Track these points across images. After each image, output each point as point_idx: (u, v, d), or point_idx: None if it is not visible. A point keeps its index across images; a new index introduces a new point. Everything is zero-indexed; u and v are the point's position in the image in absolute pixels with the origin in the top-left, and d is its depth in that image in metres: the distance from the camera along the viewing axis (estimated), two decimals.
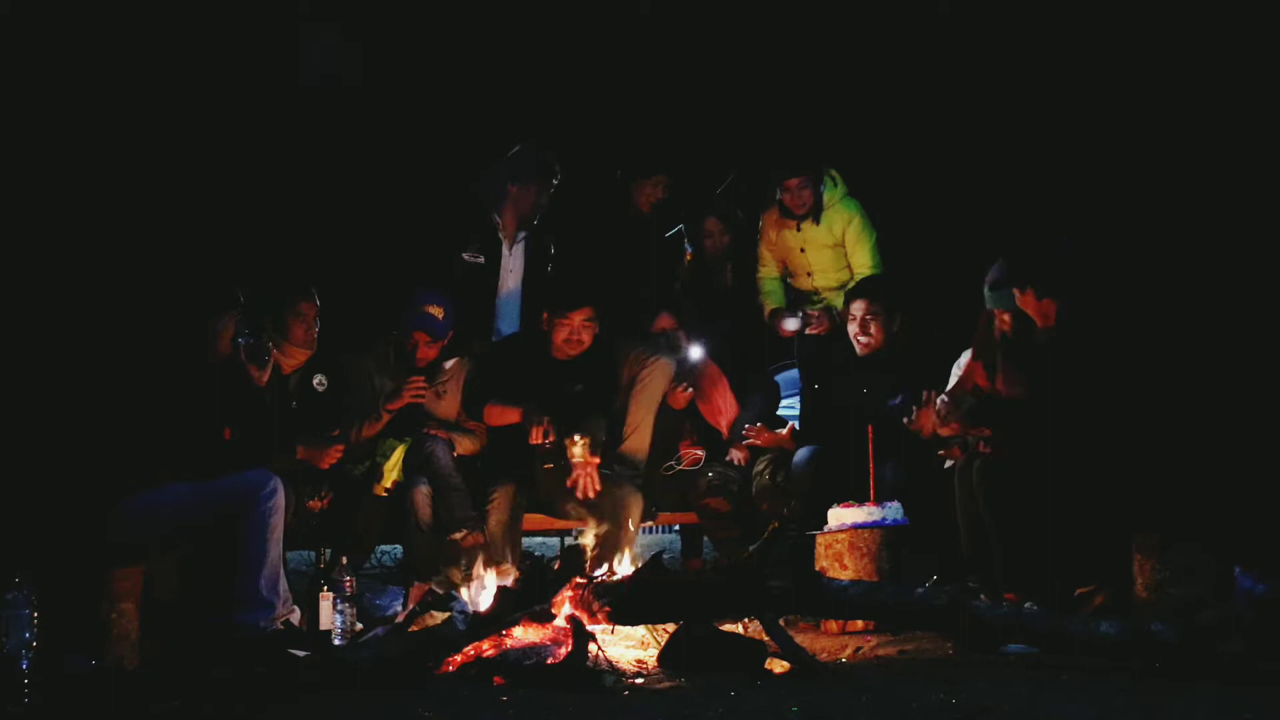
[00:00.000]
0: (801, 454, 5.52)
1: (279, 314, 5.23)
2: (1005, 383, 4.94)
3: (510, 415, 5.62)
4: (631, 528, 5.50)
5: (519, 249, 6.21)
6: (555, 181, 6.16)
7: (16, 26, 5.64)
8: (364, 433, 5.47)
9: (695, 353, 5.99)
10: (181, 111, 6.12)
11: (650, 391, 5.80)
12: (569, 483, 5.45)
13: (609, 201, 6.47)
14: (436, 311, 5.57)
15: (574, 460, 5.45)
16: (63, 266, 5.45)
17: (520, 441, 5.57)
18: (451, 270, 6.00)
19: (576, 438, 5.46)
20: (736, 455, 5.85)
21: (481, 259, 6.11)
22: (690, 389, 5.91)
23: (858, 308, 5.65)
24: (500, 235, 6.16)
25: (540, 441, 5.48)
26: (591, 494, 5.43)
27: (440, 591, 4.63)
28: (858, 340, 5.66)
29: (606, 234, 6.39)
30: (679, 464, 5.83)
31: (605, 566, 4.84)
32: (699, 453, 5.85)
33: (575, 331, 5.68)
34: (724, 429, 5.97)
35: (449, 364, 5.73)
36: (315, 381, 5.41)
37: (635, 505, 5.53)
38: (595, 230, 6.42)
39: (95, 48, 5.84)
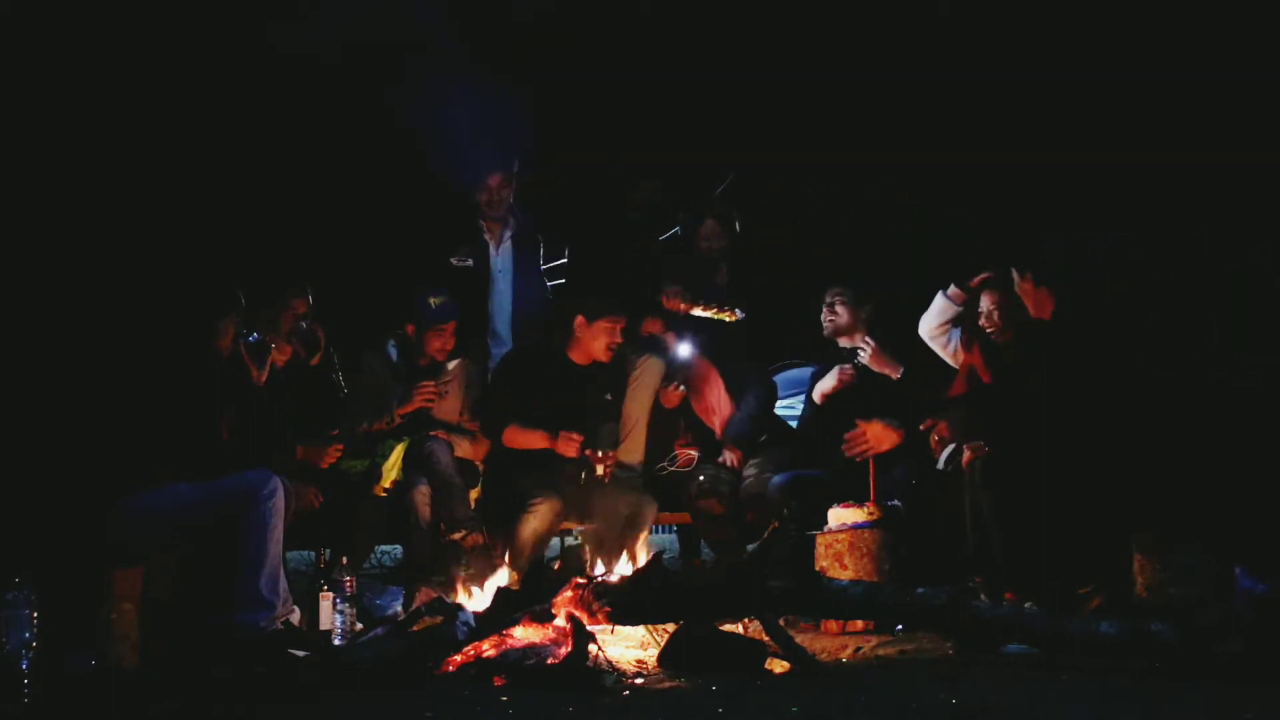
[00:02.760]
0: (778, 479, 5.53)
1: (272, 308, 5.25)
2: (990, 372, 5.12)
3: (533, 439, 5.63)
4: (642, 532, 5.54)
5: (506, 249, 6.24)
6: (515, 171, 6.17)
7: (16, 26, 5.64)
8: (371, 430, 5.50)
9: (684, 350, 5.99)
10: (181, 113, 6.12)
11: (643, 393, 5.83)
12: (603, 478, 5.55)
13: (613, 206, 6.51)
14: (443, 299, 5.66)
15: (599, 475, 5.55)
16: (64, 268, 5.45)
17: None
18: (443, 276, 6.01)
19: (600, 454, 5.55)
20: (729, 457, 5.85)
21: (470, 262, 6.13)
22: (682, 387, 5.92)
23: (827, 293, 5.88)
24: (485, 238, 6.18)
25: (578, 455, 5.55)
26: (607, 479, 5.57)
27: (446, 599, 4.62)
28: (826, 322, 5.85)
29: (616, 238, 6.42)
30: (672, 464, 5.83)
31: (605, 566, 4.85)
32: (692, 453, 5.85)
33: (617, 336, 5.74)
34: (717, 428, 5.97)
35: (451, 365, 5.74)
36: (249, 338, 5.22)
37: (649, 512, 5.60)
38: (610, 235, 6.45)
39: (96, 48, 5.83)
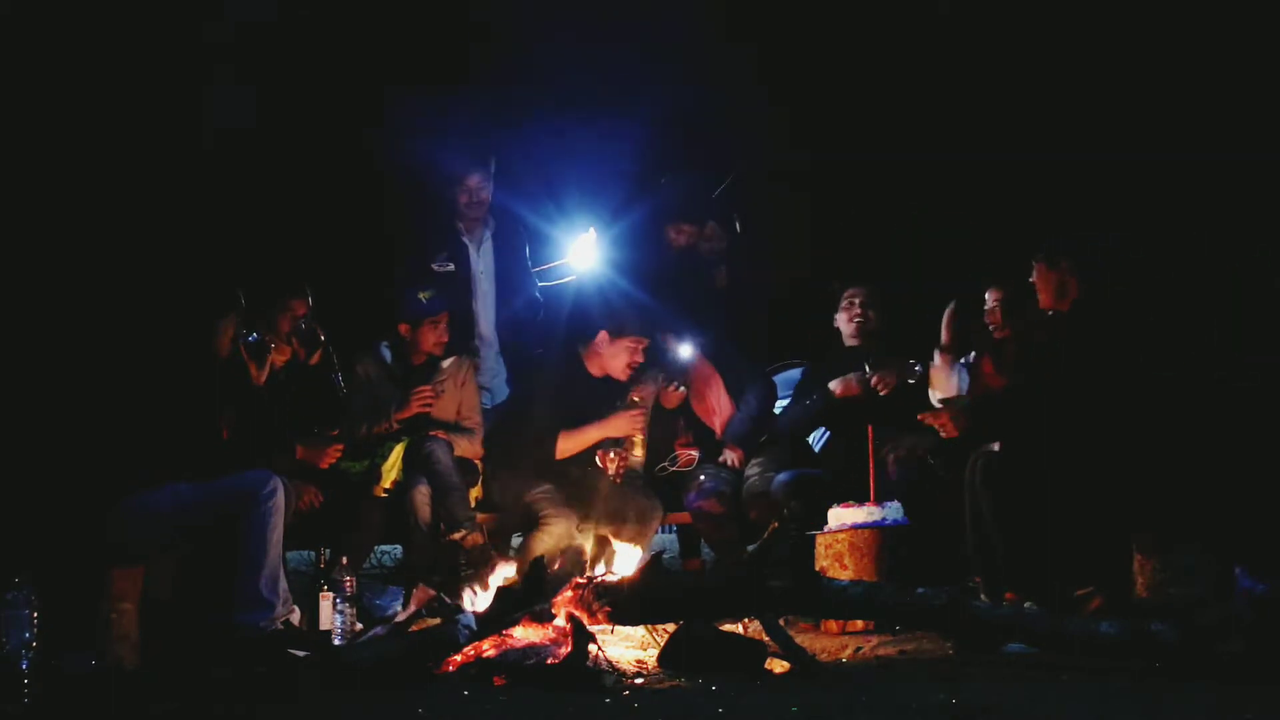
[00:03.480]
0: (782, 477, 5.53)
1: (270, 310, 5.25)
2: (996, 370, 5.15)
3: (586, 437, 5.68)
4: (648, 537, 5.55)
5: (486, 250, 6.21)
6: (491, 170, 6.16)
7: (16, 26, 5.64)
8: (370, 434, 5.51)
9: (685, 351, 5.98)
10: (180, 114, 6.12)
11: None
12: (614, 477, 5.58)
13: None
14: (432, 293, 5.67)
15: (611, 475, 5.59)
16: (64, 268, 5.45)
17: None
18: (426, 282, 6.00)
19: (612, 454, 5.59)
20: (730, 456, 5.85)
21: (451, 266, 6.11)
22: (682, 388, 5.92)
23: (854, 294, 5.88)
24: (464, 240, 6.16)
25: (612, 473, 5.59)
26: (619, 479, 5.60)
27: (446, 599, 4.62)
28: (853, 324, 5.87)
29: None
30: (673, 465, 5.84)
31: (608, 567, 4.86)
32: (693, 453, 5.85)
33: (638, 355, 5.76)
34: (718, 428, 5.97)
35: (447, 363, 5.74)
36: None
37: (656, 513, 5.62)
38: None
39: (96, 49, 5.83)
